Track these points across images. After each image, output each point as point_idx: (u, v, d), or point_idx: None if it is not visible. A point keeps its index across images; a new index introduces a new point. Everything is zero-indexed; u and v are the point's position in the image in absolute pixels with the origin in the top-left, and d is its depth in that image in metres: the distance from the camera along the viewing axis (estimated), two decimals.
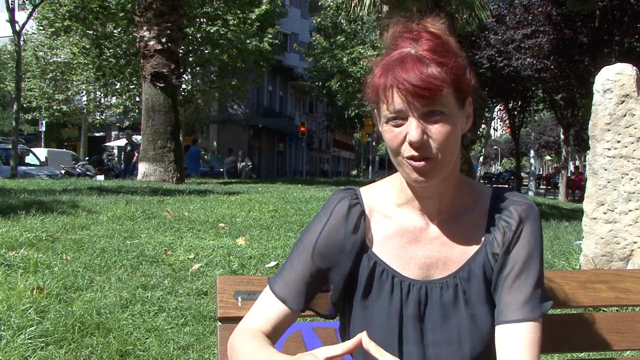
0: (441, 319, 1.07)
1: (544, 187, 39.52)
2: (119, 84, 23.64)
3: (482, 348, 1.07)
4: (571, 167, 31.64)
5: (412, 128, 0.98)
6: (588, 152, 4.08)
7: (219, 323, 1.28)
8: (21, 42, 18.79)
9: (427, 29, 1.03)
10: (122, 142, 29.90)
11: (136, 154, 16.78)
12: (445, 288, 1.09)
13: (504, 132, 60.54)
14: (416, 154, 1.00)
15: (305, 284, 1.11)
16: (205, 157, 30.80)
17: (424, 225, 1.11)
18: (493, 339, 1.07)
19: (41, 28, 23.79)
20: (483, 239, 1.11)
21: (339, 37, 26.97)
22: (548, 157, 57.73)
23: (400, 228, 1.12)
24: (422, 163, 1.00)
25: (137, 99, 21.80)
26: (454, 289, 1.08)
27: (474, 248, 1.10)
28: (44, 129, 28.70)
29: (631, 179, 3.82)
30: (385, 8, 9.18)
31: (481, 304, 1.08)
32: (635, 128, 3.81)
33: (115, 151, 31.32)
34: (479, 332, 1.07)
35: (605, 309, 2.26)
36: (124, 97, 24.01)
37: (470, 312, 1.07)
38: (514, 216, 1.09)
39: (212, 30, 21.75)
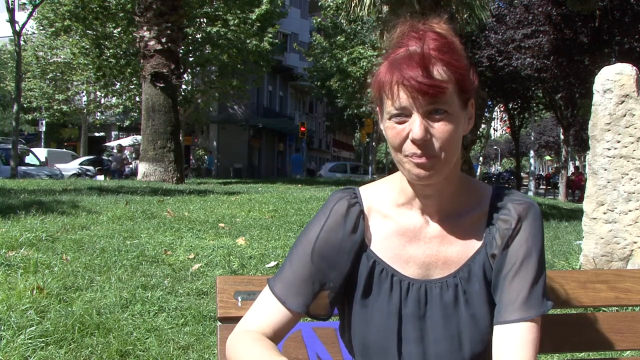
0: (442, 318, 1.07)
1: (544, 187, 39.51)
2: (119, 84, 23.65)
3: (481, 348, 1.07)
4: (571, 167, 31.60)
5: (415, 125, 0.98)
6: (588, 152, 4.08)
7: (219, 323, 1.28)
8: (21, 42, 18.79)
9: (433, 29, 1.04)
10: (122, 141, 29.93)
11: None
12: (445, 288, 1.08)
13: (504, 132, 60.54)
14: (418, 151, 1.00)
15: (304, 284, 1.10)
16: (206, 157, 30.83)
17: (423, 224, 1.11)
18: (492, 339, 1.07)
19: (41, 28, 23.82)
20: (483, 238, 1.10)
21: (339, 37, 26.95)
22: (548, 157, 57.70)
23: (399, 227, 1.11)
24: (424, 159, 1.00)
25: (137, 99, 21.81)
26: (454, 288, 1.08)
27: (474, 248, 1.10)
28: (44, 129, 28.71)
29: (631, 179, 3.82)
30: (385, 8, 9.18)
31: (481, 304, 1.07)
32: (635, 128, 3.81)
33: (115, 151, 31.33)
34: (479, 332, 1.06)
35: (605, 309, 2.26)
36: (124, 97, 24.02)
37: (470, 312, 1.07)
38: (513, 215, 1.08)
39: (212, 30, 21.76)
